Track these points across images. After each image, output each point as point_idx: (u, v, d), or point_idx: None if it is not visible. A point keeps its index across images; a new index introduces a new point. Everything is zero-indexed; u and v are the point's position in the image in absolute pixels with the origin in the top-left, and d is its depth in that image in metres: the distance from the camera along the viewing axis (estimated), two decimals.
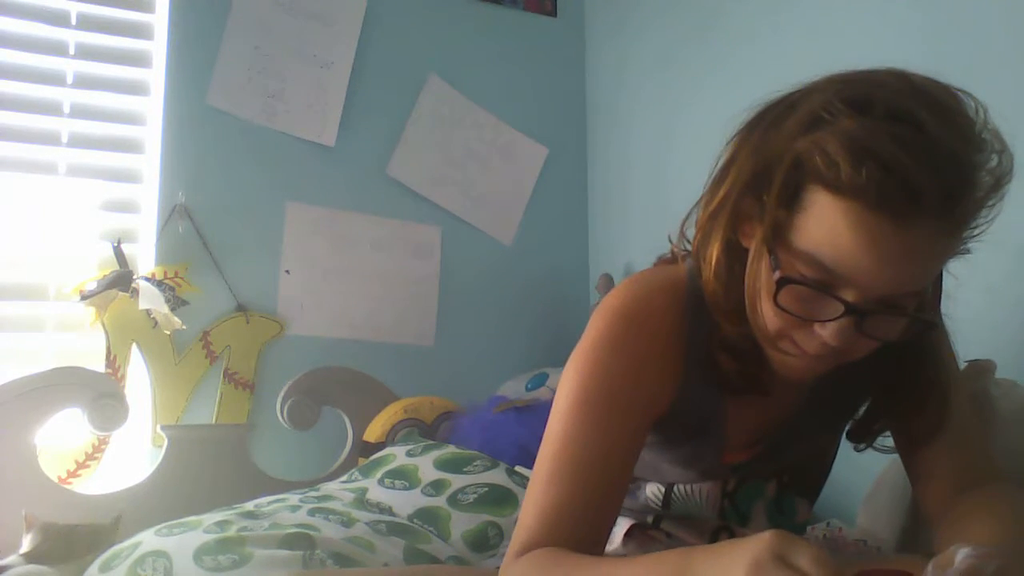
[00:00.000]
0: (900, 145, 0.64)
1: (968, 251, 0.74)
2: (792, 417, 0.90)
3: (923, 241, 0.67)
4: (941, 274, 0.81)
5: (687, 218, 0.85)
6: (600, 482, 0.80)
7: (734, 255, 0.77)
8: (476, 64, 2.22)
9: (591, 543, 0.79)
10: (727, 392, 0.84)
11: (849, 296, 0.69)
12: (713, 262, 0.78)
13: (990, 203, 0.70)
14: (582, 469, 0.79)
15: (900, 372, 0.84)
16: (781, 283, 0.71)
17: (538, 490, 0.80)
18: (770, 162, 0.72)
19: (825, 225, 0.68)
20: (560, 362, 2.29)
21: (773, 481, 0.95)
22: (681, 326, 0.83)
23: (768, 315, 0.74)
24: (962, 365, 1.08)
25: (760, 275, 0.74)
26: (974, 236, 0.73)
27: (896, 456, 0.93)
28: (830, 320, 0.71)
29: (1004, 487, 0.83)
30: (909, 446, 0.89)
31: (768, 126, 0.75)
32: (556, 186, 2.30)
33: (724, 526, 0.93)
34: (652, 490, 0.95)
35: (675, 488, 0.93)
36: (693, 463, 0.90)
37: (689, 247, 0.85)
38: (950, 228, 0.68)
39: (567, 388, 0.83)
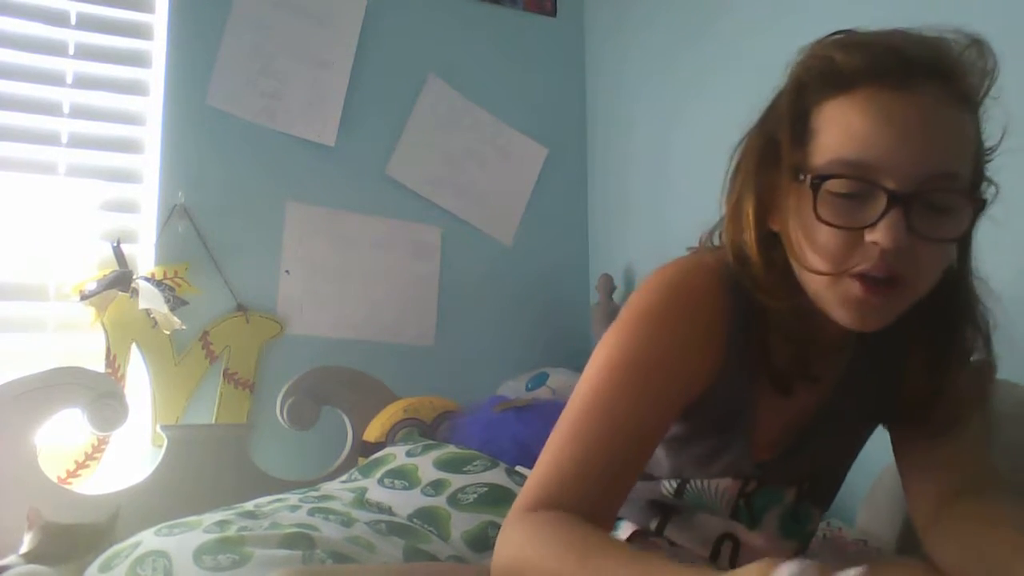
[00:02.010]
0: (884, 34, 0.73)
1: (992, 183, 0.77)
2: (816, 419, 0.89)
3: (930, 110, 0.70)
4: (970, 237, 0.80)
5: (718, 226, 0.85)
6: (623, 448, 0.77)
7: (767, 234, 0.78)
8: (476, 64, 2.22)
9: (603, 510, 0.77)
10: (771, 381, 0.83)
11: (888, 184, 0.70)
12: (753, 240, 0.78)
13: (987, 87, 0.74)
14: (607, 431, 0.77)
15: (928, 363, 0.83)
16: (816, 185, 0.71)
17: (557, 446, 0.78)
18: (776, 117, 0.77)
19: (840, 127, 0.72)
20: (560, 362, 2.29)
21: (793, 488, 0.92)
22: (724, 307, 0.81)
23: (820, 248, 0.73)
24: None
25: (798, 219, 0.75)
26: (989, 146, 0.77)
27: None
28: (878, 220, 0.70)
29: (1000, 497, 0.82)
30: (907, 444, 0.89)
31: (768, 107, 0.80)
32: (556, 186, 2.30)
33: (728, 534, 0.90)
34: (665, 484, 0.92)
35: (690, 482, 0.90)
36: (714, 461, 0.88)
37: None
38: (951, 98, 0.71)
39: (604, 352, 0.80)
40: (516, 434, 1.59)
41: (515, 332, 2.18)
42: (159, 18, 1.90)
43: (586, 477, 0.76)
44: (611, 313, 1.98)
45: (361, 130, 2.05)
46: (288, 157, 1.97)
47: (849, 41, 0.74)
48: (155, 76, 1.89)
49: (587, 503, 0.75)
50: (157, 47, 1.90)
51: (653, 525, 0.93)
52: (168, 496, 1.58)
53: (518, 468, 1.50)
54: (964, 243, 0.80)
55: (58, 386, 1.55)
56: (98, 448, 1.70)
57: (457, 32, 2.21)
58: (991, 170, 0.78)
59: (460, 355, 2.11)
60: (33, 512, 1.32)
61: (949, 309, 0.81)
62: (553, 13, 2.35)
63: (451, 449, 1.59)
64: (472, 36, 2.23)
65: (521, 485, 1.41)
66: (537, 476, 0.78)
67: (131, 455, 1.77)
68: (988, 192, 0.77)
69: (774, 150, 0.76)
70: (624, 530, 0.94)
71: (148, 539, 1.21)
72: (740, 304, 0.80)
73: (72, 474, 1.67)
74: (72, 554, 1.27)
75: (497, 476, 1.47)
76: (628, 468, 0.79)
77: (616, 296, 2.08)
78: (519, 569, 0.72)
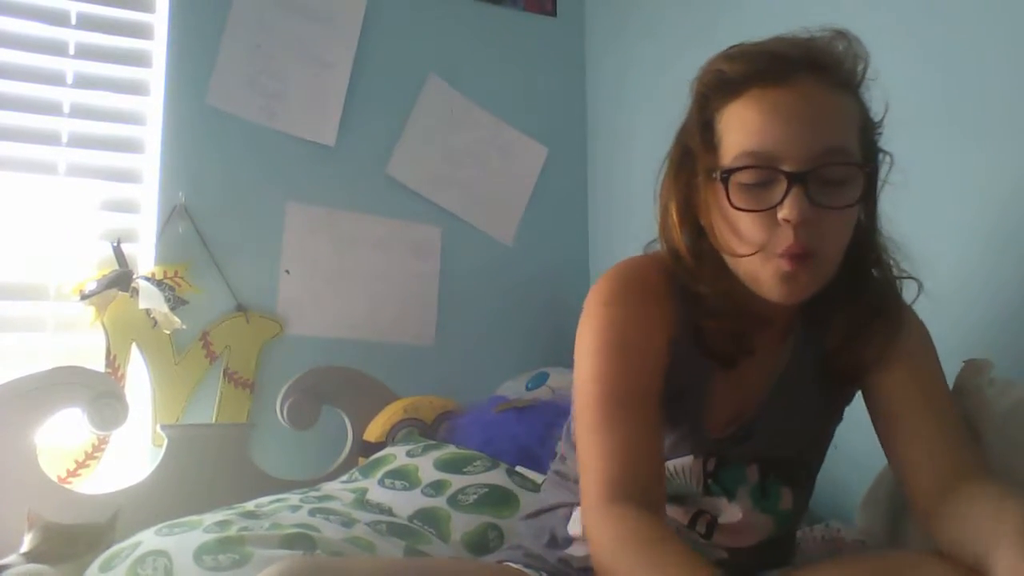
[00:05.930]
0: (762, 42, 0.88)
1: (887, 153, 0.90)
2: (770, 396, 0.96)
3: (810, 97, 0.82)
4: (875, 201, 0.91)
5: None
6: (643, 417, 0.87)
7: (694, 231, 0.91)
8: (476, 64, 2.22)
9: (657, 478, 0.86)
10: (711, 357, 0.92)
11: (785, 167, 0.81)
12: (679, 237, 0.91)
13: (861, 71, 0.87)
14: (625, 405, 0.86)
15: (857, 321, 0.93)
16: (725, 178, 0.83)
17: (591, 436, 0.86)
18: (688, 129, 0.90)
19: (738, 126, 0.84)
20: (560, 362, 2.29)
21: (754, 465, 0.97)
22: (669, 293, 0.92)
23: (741, 234, 0.84)
24: (960, 367, 1.09)
25: (719, 212, 0.86)
26: (875, 126, 0.89)
27: None
28: (783, 199, 0.81)
29: (997, 484, 0.84)
30: (891, 435, 0.92)
31: (682, 123, 0.93)
32: (556, 186, 2.30)
33: (702, 511, 0.96)
34: None
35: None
36: (674, 428, 0.94)
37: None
38: (828, 84, 0.84)
39: (585, 341, 0.92)
40: (516, 434, 1.59)
41: (515, 332, 2.18)
42: (159, 18, 1.90)
43: (634, 451, 0.85)
44: None
45: (361, 130, 2.05)
46: (288, 157, 1.97)
47: (734, 53, 0.88)
48: (155, 76, 1.89)
49: (644, 491, 0.83)
50: (157, 47, 1.90)
51: None
52: (168, 496, 1.58)
53: (518, 468, 1.50)
54: (870, 206, 0.91)
55: (58, 386, 1.55)
56: (98, 448, 1.70)
57: (457, 32, 2.21)
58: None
59: (460, 355, 2.11)
60: (32, 514, 1.32)
61: (861, 260, 0.92)
62: (553, 13, 2.35)
63: (451, 449, 1.59)
64: (472, 36, 2.23)
65: (521, 486, 1.42)
66: (594, 473, 0.85)
67: (131, 455, 1.77)
68: (884, 161, 0.90)
69: (690, 157, 0.90)
70: None
71: (148, 539, 1.21)
72: (683, 291, 0.92)
73: (72, 474, 1.67)
74: (72, 554, 1.27)
75: (497, 477, 1.47)
76: (656, 431, 0.88)
77: None
78: (615, 569, 0.80)
